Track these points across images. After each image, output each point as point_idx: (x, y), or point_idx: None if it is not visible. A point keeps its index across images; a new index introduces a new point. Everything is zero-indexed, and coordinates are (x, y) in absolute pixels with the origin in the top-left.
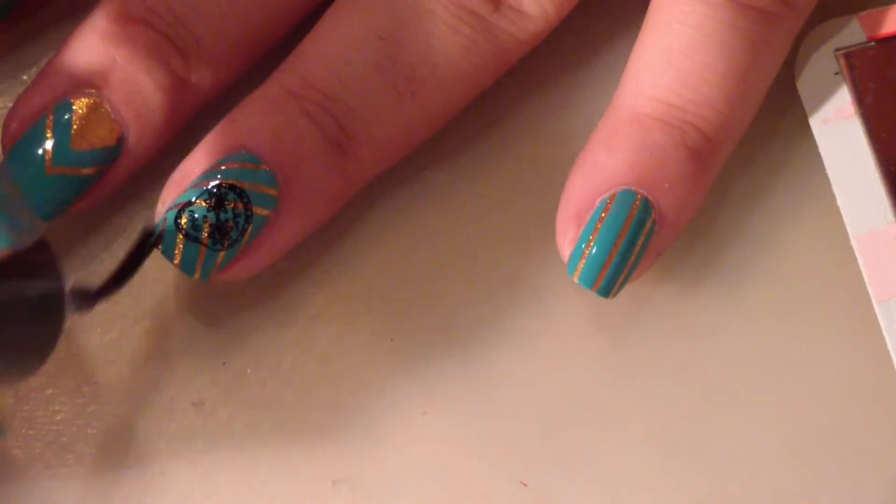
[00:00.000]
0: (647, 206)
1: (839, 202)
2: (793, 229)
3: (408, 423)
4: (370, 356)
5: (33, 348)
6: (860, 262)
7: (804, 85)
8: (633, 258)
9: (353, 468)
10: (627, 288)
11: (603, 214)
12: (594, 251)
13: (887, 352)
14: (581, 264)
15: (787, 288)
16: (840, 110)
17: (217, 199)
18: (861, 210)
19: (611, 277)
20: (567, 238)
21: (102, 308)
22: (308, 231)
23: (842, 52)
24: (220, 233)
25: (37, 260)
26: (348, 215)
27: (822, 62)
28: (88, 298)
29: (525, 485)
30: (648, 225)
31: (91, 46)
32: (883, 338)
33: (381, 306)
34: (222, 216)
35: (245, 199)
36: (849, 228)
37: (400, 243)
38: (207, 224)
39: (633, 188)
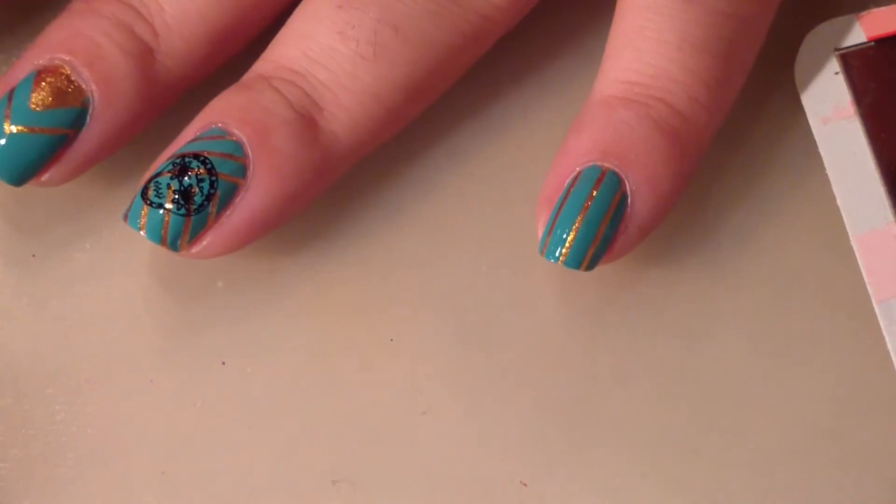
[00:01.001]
0: (614, 179)
1: (839, 202)
2: (793, 229)
3: (408, 423)
4: (370, 356)
5: None
6: (860, 262)
7: (804, 85)
8: (601, 228)
9: (353, 468)
10: (627, 288)
11: (569, 191)
12: (559, 223)
13: (887, 352)
14: (548, 239)
15: (787, 288)
16: (840, 110)
17: (181, 168)
18: (861, 210)
19: (578, 248)
20: (540, 222)
21: (103, 308)
22: (286, 204)
23: (842, 52)
24: (185, 197)
25: None
26: (348, 215)
27: (822, 62)
28: None
29: (525, 485)
30: (617, 196)
31: (60, 25)
32: (883, 338)
33: (380, 306)
34: (185, 182)
35: (209, 166)
36: (849, 228)
37: (400, 243)
38: (171, 190)
39: (599, 163)
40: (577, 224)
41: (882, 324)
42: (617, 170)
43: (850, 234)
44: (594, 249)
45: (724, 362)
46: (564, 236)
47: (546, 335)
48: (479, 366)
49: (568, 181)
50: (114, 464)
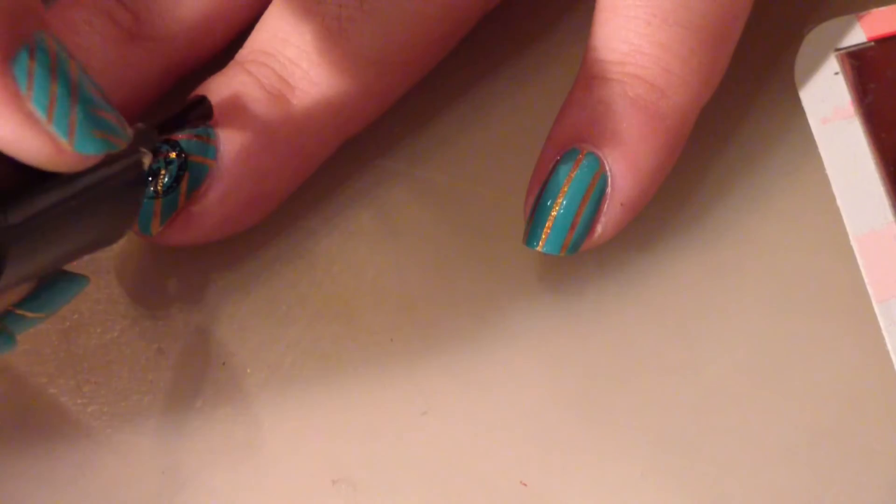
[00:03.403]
0: (592, 159)
1: (839, 202)
2: (793, 229)
3: (408, 423)
4: (370, 356)
5: (123, 215)
6: (860, 262)
7: (804, 85)
8: (580, 210)
9: (353, 468)
10: (627, 288)
11: (548, 177)
12: (538, 210)
13: (887, 352)
14: (528, 227)
15: (787, 288)
16: (840, 110)
17: (151, 154)
18: (861, 210)
19: (556, 234)
20: (525, 212)
21: (102, 308)
22: (259, 183)
23: (842, 52)
24: (153, 180)
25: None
26: (347, 214)
27: (822, 62)
28: (150, 138)
29: (525, 485)
30: (595, 177)
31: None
32: (883, 338)
33: (381, 306)
34: (154, 166)
35: (177, 149)
36: (849, 228)
37: (400, 243)
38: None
39: (578, 146)
40: (554, 209)
41: (882, 324)
42: (595, 150)
43: (850, 234)
44: (573, 234)
45: (724, 362)
46: (543, 222)
47: (546, 335)
48: (479, 366)
49: (550, 168)
50: (114, 464)
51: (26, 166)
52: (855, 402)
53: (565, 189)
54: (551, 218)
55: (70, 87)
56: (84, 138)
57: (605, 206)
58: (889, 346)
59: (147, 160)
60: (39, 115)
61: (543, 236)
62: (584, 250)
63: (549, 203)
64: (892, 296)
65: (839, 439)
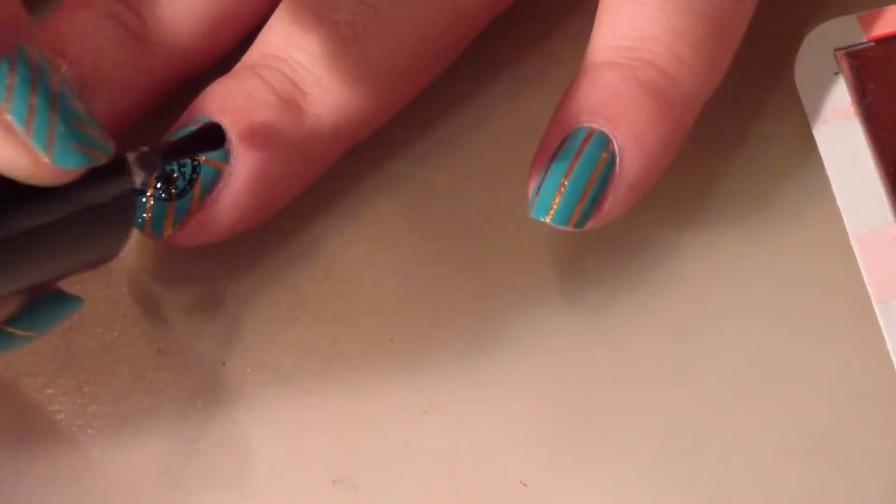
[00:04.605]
0: (601, 138)
1: (839, 202)
2: (793, 229)
3: (408, 423)
4: (370, 356)
5: (112, 237)
6: (860, 262)
7: (804, 85)
8: (589, 185)
9: (353, 468)
10: (627, 288)
11: (557, 152)
12: (546, 182)
13: (887, 352)
14: (536, 199)
15: (787, 288)
16: (840, 110)
17: (149, 177)
18: (861, 210)
19: (565, 206)
20: (530, 185)
21: (102, 308)
22: (271, 188)
23: (842, 52)
24: (166, 183)
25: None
26: (348, 215)
27: (822, 62)
28: (153, 163)
29: (525, 485)
30: (605, 155)
31: (51, 22)
32: (883, 338)
33: (381, 306)
34: (167, 169)
35: None
36: (849, 228)
37: (400, 243)
38: (153, 177)
39: (587, 124)
40: (564, 181)
41: (882, 324)
42: (604, 129)
43: (850, 234)
44: (582, 207)
45: (724, 362)
46: (552, 194)
47: (546, 335)
48: (479, 366)
49: (557, 144)
50: (114, 464)
51: (11, 180)
52: (855, 402)
53: (575, 164)
54: (561, 189)
55: (50, 100)
56: (63, 152)
57: (614, 184)
58: (889, 346)
59: (139, 179)
60: (17, 127)
61: (553, 207)
62: (589, 228)
63: (558, 176)
64: (892, 296)
65: (839, 439)
